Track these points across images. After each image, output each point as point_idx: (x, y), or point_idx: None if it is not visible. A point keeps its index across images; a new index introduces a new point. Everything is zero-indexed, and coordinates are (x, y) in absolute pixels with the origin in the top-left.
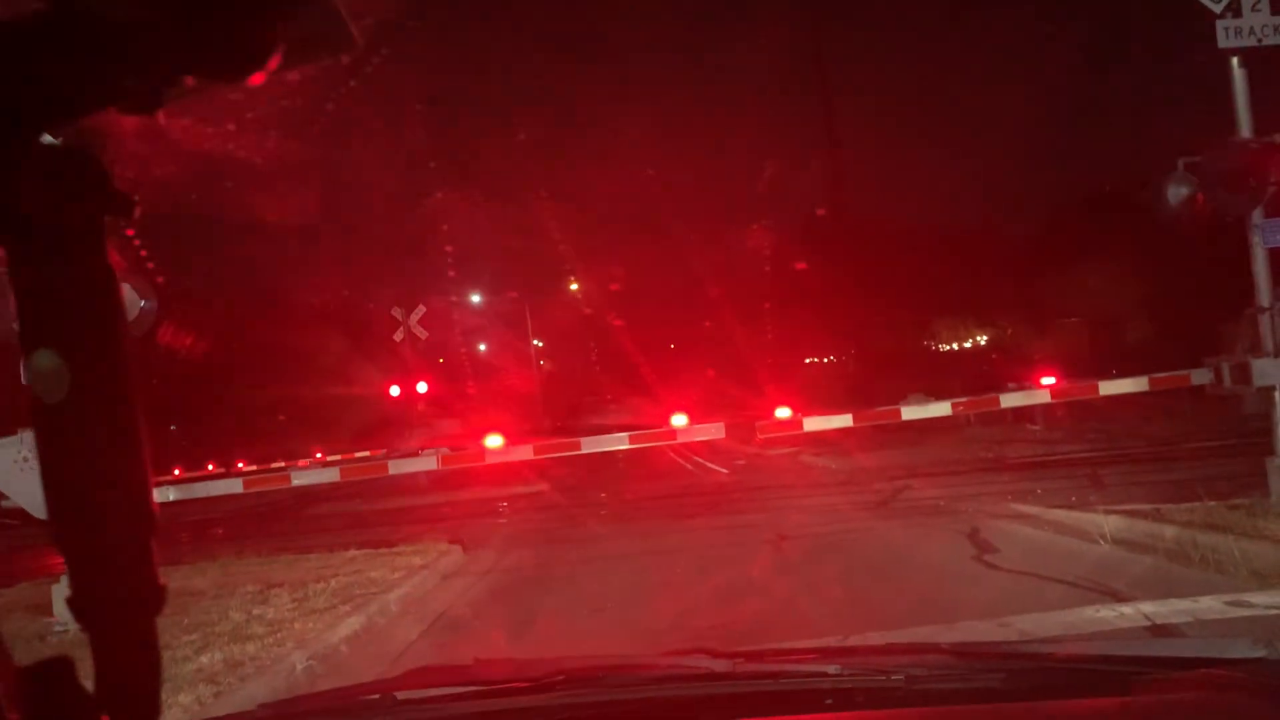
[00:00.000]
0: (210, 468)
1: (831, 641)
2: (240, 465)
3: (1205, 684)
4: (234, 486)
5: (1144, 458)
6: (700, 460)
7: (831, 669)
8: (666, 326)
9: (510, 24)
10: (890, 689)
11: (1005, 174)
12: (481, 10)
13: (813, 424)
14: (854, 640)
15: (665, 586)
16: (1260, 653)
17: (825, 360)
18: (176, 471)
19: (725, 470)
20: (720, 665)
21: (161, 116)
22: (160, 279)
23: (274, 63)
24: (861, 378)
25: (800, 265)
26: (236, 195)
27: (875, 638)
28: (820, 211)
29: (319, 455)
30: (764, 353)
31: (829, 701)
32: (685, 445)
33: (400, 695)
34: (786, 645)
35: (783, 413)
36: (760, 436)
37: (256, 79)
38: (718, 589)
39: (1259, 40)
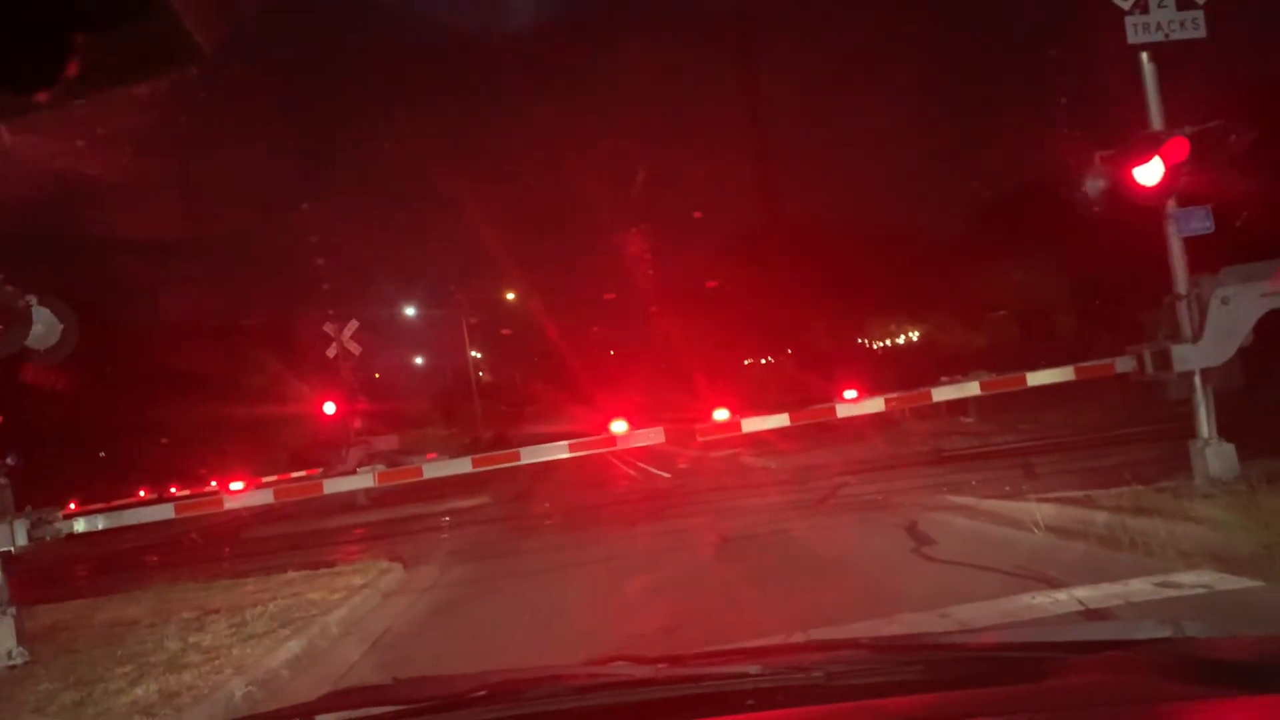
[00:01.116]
0: (142, 494)
1: (773, 640)
2: (173, 490)
3: (1109, 666)
4: (165, 512)
5: (1074, 445)
6: (642, 465)
7: (753, 669)
8: (605, 333)
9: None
10: (810, 686)
11: (934, 172)
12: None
13: (750, 425)
14: (797, 637)
15: (609, 594)
16: (1166, 632)
17: (763, 361)
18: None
19: (667, 474)
20: (642, 672)
21: (6, 135)
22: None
23: (69, 73)
24: (798, 377)
25: (737, 270)
26: (133, 215)
27: (818, 634)
28: (697, 215)
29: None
30: (702, 356)
31: (750, 702)
32: (627, 450)
33: (319, 719)
34: (711, 648)
35: (721, 414)
36: (699, 439)
37: (53, 93)
38: (662, 594)
39: (1166, 35)
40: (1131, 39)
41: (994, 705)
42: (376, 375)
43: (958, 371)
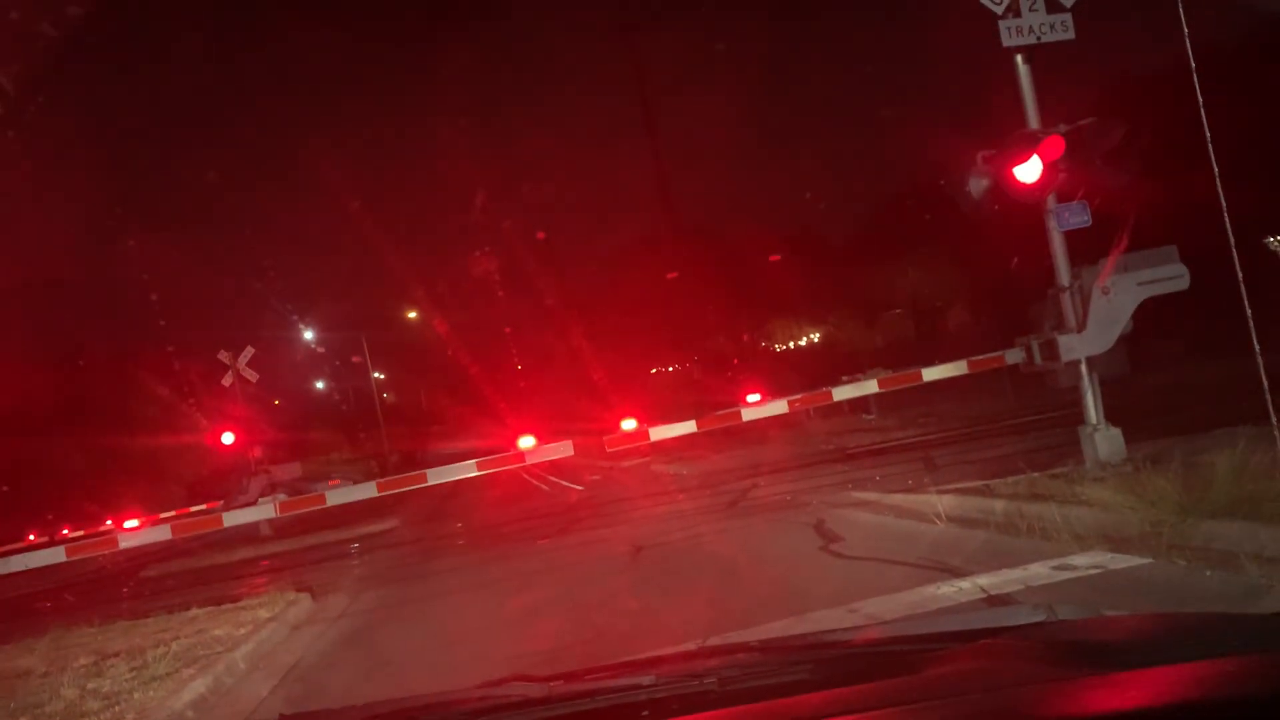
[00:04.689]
0: (32, 538)
1: (686, 646)
2: (65, 532)
3: (986, 653)
4: (56, 556)
5: (972, 437)
6: (554, 479)
7: (646, 680)
8: (511, 348)
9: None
10: (703, 693)
11: (828, 177)
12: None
13: (659, 433)
14: (713, 641)
15: (522, 612)
16: (1040, 617)
17: (670, 369)
18: None
19: (580, 487)
20: (535, 691)
21: None
22: None
23: None
24: (705, 383)
25: (639, 279)
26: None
27: (733, 637)
28: (541, 235)
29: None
30: (609, 366)
31: (645, 713)
32: (537, 465)
33: None
34: (610, 662)
35: (629, 424)
36: (609, 450)
37: None
38: (577, 607)
39: (1038, 38)
40: (1006, 42)
41: (876, 698)
42: (276, 402)
43: (857, 370)
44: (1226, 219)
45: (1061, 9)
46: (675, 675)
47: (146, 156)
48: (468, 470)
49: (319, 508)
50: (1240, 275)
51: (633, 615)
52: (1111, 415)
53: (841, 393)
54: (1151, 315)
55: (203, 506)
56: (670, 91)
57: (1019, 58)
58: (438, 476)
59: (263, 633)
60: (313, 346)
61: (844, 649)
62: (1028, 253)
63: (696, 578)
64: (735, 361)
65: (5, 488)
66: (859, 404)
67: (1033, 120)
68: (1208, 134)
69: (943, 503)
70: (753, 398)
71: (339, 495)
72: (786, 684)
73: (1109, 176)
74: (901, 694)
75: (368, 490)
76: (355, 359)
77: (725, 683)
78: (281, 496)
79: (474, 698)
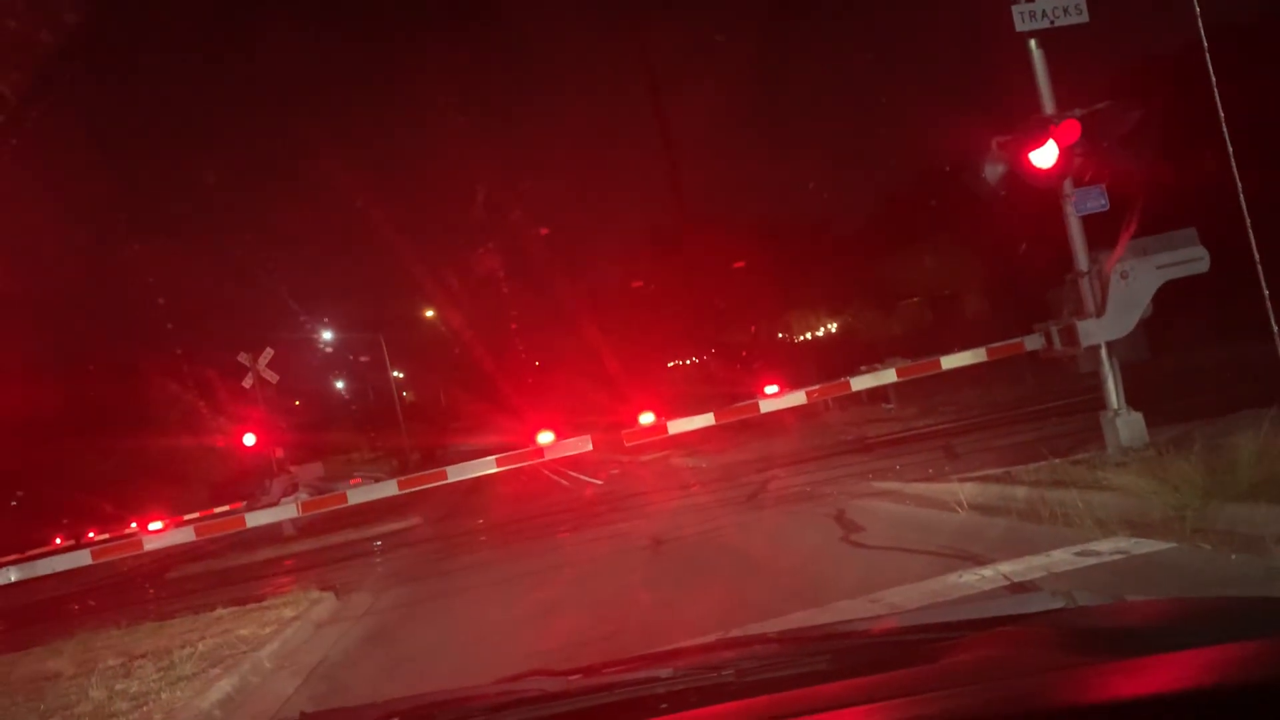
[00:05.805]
0: (58, 541)
1: (707, 639)
2: (91, 535)
3: (1003, 641)
4: (81, 559)
5: (992, 424)
6: (574, 474)
7: (664, 673)
8: (529, 343)
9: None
10: (722, 685)
11: (841, 168)
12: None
13: (677, 426)
14: (735, 633)
15: (543, 607)
16: (1059, 604)
17: (687, 362)
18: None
19: (599, 481)
20: (553, 685)
21: None
22: None
23: None
24: (722, 376)
25: (655, 274)
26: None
27: (754, 629)
28: (544, 231)
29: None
30: (627, 361)
31: (663, 706)
32: (557, 460)
33: None
34: (627, 655)
35: (647, 418)
36: (627, 444)
37: None
38: (597, 601)
39: (1051, 22)
40: (1019, 27)
41: (894, 688)
42: (297, 403)
43: (875, 359)
44: (1243, 200)
45: None
46: (692, 668)
47: (158, 162)
48: (487, 467)
49: (341, 506)
50: (1258, 256)
51: (652, 609)
52: (1132, 399)
53: (859, 382)
54: (1171, 298)
55: (226, 508)
56: (678, 84)
57: (1032, 42)
58: (458, 474)
59: (287, 632)
60: (332, 347)
61: (861, 639)
62: (1044, 238)
63: (716, 571)
64: (743, 354)
65: (21, 493)
66: (878, 393)
67: (1048, 105)
68: (1221, 114)
69: (964, 491)
70: (771, 389)
71: (361, 494)
72: (803, 674)
73: (1126, 160)
74: (918, 683)
75: (389, 488)
76: (374, 359)
77: (742, 674)
78: (304, 496)
79: (492, 693)
